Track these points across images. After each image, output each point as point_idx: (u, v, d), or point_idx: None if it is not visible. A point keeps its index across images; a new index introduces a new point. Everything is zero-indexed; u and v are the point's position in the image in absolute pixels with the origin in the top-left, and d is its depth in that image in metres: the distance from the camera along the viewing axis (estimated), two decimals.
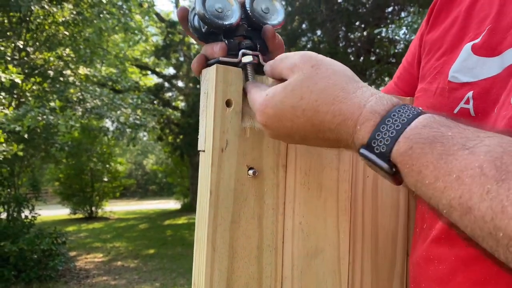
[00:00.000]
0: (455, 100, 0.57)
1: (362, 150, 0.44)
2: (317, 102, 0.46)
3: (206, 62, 0.59)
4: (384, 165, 0.42)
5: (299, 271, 0.59)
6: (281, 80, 0.51)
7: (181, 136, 13.38)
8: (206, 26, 0.58)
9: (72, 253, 7.93)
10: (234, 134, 0.56)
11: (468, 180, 0.36)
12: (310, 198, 0.60)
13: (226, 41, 0.57)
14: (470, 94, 0.56)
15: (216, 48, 0.57)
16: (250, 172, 0.56)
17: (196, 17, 0.60)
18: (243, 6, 0.59)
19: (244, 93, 0.56)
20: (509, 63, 0.53)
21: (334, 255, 0.62)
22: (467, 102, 0.56)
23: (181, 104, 15.36)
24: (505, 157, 0.35)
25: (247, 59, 0.57)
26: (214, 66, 0.55)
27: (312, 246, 0.60)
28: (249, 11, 0.59)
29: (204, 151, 0.56)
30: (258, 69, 0.59)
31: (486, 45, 0.56)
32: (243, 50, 0.57)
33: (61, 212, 14.07)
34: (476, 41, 0.58)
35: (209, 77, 0.56)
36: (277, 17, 0.61)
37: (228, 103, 0.55)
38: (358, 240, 0.64)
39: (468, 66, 0.57)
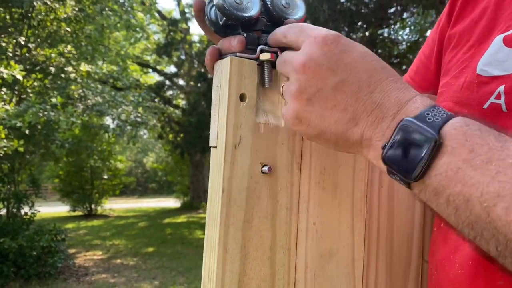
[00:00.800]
0: (484, 95, 0.54)
1: (407, 119, 0.41)
2: (386, 65, 0.46)
3: (221, 56, 0.56)
4: (432, 134, 0.38)
5: (313, 274, 0.57)
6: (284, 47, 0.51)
7: (181, 135, 13.36)
8: (224, 18, 0.55)
9: (71, 250, 7.91)
10: (247, 130, 0.53)
11: None
12: (325, 198, 0.58)
13: (244, 34, 0.55)
14: (501, 88, 0.52)
15: (234, 42, 0.53)
16: (265, 168, 0.54)
17: (214, 9, 0.57)
18: None
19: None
20: None
21: (349, 257, 0.60)
22: (498, 96, 0.52)
23: (182, 103, 15.34)
24: None
25: (265, 56, 0.54)
26: (228, 58, 0.52)
27: (326, 248, 0.58)
28: (269, 5, 0.56)
29: (216, 147, 0.54)
30: (276, 67, 0.56)
31: None
32: (261, 46, 0.54)
33: (60, 209, 14.05)
34: (508, 33, 0.54)
35: (223, 70, 0.53)
36: (297, 12, 0.58)
37: (242, 97, 0.53)
38: (373, 242, 0.62)
39: (499, 59, 0.54)
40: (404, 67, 7.53)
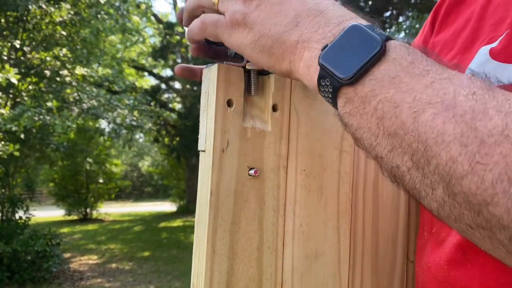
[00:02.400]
0: None
1: (356, 24, 0.40)
2: None
3: (207, 65, 0.58)
4: (377, 39, 0.38)
5: (299, 274, 0.59)
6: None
7: (177, 138, 13.36)
8: None
9: (66, 255, 7.88)
10: (235, 134, 0.55)
11: (457, 81, 0.34)
12: (310, 200, 0.60)
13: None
14: None
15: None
16: (251, 171, 0.55)
17: None
18: None
19: None
20: None
21: (335, 258, 0.61)
22: None
23: (178, 106, 15.34)
24: (491, 81, 0.36)
25: (251, 65, 0.56)
26: (216, 66, 0.54)
27: (313, 249, 0.60)
28: None
29: (204, 151, 0.56)
30: (262, 73, 0.58)
31: (506, 50, 0.54)
32: None
33: (55, 213, 14.01)
34: (494, 45, 0.56)
35: (211, 77, 0.55)
36: None
37: (229, 103, 0.55)
38: (358, 243, 0.63)
39: (486, 71, 0.56)
40: None
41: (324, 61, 0.40)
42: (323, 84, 0.40)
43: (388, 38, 0.39)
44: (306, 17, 0.43)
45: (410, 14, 7.08)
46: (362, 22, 0.41)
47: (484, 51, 0.56)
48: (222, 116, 0.54)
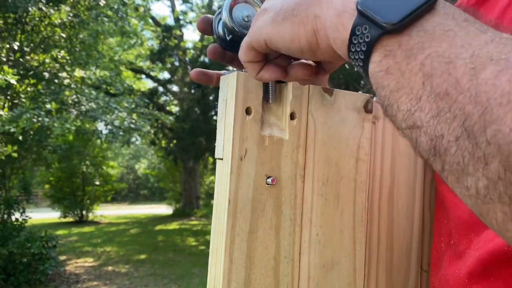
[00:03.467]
0: None
1: None
2: None
3: (225, 73, 0.57)
4: None
5: (316, 283, 0.58)
6: None
7: (174, 141, 13.33)
8: (231, 35, 0.57)
9: (62, 257, 7.84)
10: (253, 143, 0.55)
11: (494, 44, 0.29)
12: (327, 209, 0.59)
13: None
14: None
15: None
16: (269, 180, 0.55)
17: (221, 24, 0.58)
18: None
19: None
20: None
21: (350, 267, 0.61)
22: None
23: (175, 109, 15.33)
24: None
25: None
26: (235, 73, 0.54)
27: (329, 258, 0.59)
28: None
29: (222, 159, 0.55)
30: (281, 81, 0.58)
31: None
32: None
33: (51, 215, 13.93)
34: None
35: (229, 84, 0.55)
36: None
37: (248, 111, 0.54)
38: (373, 252, 0.63)
39: None
40: None
41: (363, 5, 0.34)
42: (358, 33, 0.34)
43: None
44: None
45: None
46: None
47: None
48: (241, 124, 0.54)
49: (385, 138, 0.64)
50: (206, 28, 0.60)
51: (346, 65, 8.47)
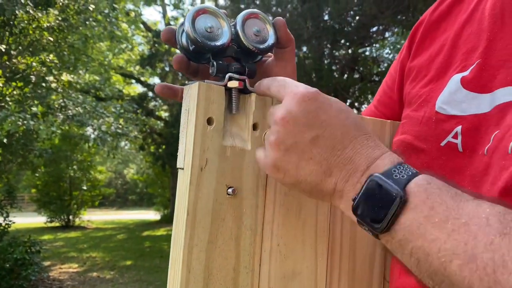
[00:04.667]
0: (442, 133, 0.57)
1: (376, 175, 0.44)
2: (360, 123, 0.49)
3: (188, 82, 0.58)
4: (398, 190, 0.42)
5: None
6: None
7: (163, 146, 13.28)
8: (194, 46, 0.57)
9: (46, 263, 7.73)
10: (214, 153, 0.55)
11: (475, 228, 0.38)
12: (289, 219, 0.60)
13: (215, 62, 0.57)
14: (458, 128, 0.56)
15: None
16: (230, 190, 0.55)
17: (185, 35, 0.59)
18: (233, 26, 0.58)
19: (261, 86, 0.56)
20: (499, 102, 0.53)
21: (311, 278, 0.61)
22: (455, 136, 0.56)
23: (165, 114, 15.28)
24: (507, 215, 0.38)
25: (233, 84, 0.56)
26: (197, 84, 0.54)
27: (290, 269, 0.59)
28: (239, 33, 0.57)
29: (183, 169, 0.55)
30: (244, 92, 0.58)
31: (476, 80, 0.56)
32: (230, 74, 0.56)
33: (36, 220, 13.75)
34: (465, 73, 0.57)
35: (191, 94, 0.55)
36: (268, 40, 0.60)
37: (209, 121, 0.55)
38: (335, 263, 0.63)
39: (457, 99, 0.57)
40: None
41: (357, 212, 0.45)
42: (363, 227, 0.46)
43: (408, 180, 0.43)
44: (337, 166, 0.47)
45: (396, 30, 7.20)
46: (385, 160, 0.46)
47: (456, 79, 0.58)
48: (202, 134, 0.54)
49: None
50: (170, 38, 0.60)
51: (335, 73, 8.54)
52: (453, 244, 0.38)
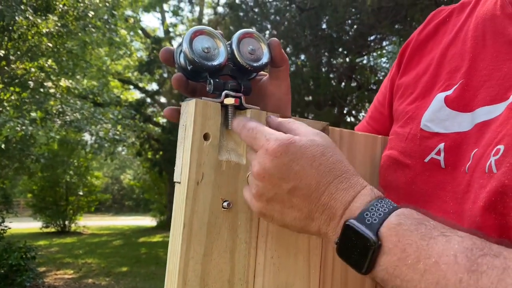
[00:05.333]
0: (426, 149, 0.60)
1: (351, 221, 0.47)
2: (334, 165, 0.50)
3: (186, 99, 0.59)
4: (372, 236, 0.44)
5: None
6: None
7: (160, 152, 13.28)
8: (191, 66, 0.59)
9: (41, 269, 7.69)
10: (210, 167, 0.56)
11: (444, 266, 0.40)
12: (282, 232, 0.61)
13: (212, 81, 0.59)
14: (441, 145, 0.58)
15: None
16: (225, 204, 0.57)
17: (182, 54, 0.60)
18: (229, 45, 0.60)
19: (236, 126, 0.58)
20: (478, 120, 0.55)
21: None
22: (438, 153, 0.58)
23: (162, 120, 15.29)
24: (474, 250, 0.40)
25: (229, 101, 0.58)
26: (194, 100, 0.56)
27: (283, 281, 0.61)
28: (235, 52, 0.60)
29: (179, 182, 0.57)
30: (239, 108, 0.60)
31: (459, 99, 0.58)
32: (226, 92, 0.58)
33: (32, 225, 13.69)
34: (449, 92, 0.60)
35: (188, 111, 0.57)
36: (262, 58, 0.62)
37: (205, 137, 0.56)
38: (328, 276, 0.65)
39: (440, 117, 0.60)
40: None
41: (341, 255, 0.49)
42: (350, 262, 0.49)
43: (380, 223, 0.45)
44: (317, 211, 0.50)
45: (393, 39, 7.25)
46: (358, 202, 0.48)
47: (440, 97, 0.61)
48: (198, 149, 0.56)
49: None
50: (168, 58, 0.62)
51: (333, 82, 8.58)
52: (426, 284, 0.41)
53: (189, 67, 0.60)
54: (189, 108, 0.57)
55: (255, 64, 0.61)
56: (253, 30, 0.62)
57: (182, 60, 0.61)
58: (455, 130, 0.58)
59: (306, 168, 0.50)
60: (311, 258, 0.63)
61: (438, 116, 0.60)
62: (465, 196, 0.53)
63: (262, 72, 0.68)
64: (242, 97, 0.59)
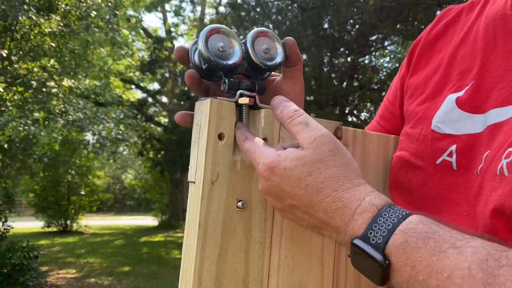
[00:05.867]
0: (438, 151, 0.59)
1: (356, 241, 0.46)
2: (322, 184, 0.49)
3: (200, 98, 0.59)
4: (379, 256, 0.44)
5: None
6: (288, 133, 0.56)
7: (162, 152, 13.28)
8: (206, 64, 0.59)
9: (44, 268, 7.69)
10: (225, 167, 0.56)
11: (459, 280, 0.38)
12: (296, 232, 0.61)
13: (226, 80, 0.58)
14: (453, 147, 0.58)
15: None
16: (239, 204, 0.57)
17: (197, 53, 0.60)
18: (244, 45, 0.60)
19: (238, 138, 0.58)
20: (491, 122, 0.55)
21: None
22: (450, 155, 0.58)
23: (164, 120, 15.29)
24: (490, 260, 0.38)
25: (243, 101, 0.58)
26: (209, 100, 0.56)
27: (297, 281, 0.61)
28: (250, 51, 0.59)
29: (194, 182, 0.57)
30: (254, 108, 0.60)
31: (470, 101, 0.58)
32: (241, 91, 0.58)
33: (34, 224, 13.70)
34: (460, 94, 0.60)
35: (203, 110, 0.57)
36: (276, 58, 0.62)
37: (220, 136, 0.56)
38: (341, 276, 0.65)
39: (452, 119, 0.59)
40: (383, 93, 7.71)
41: (357, 269, 0.48)
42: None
43: (385, 241, 0.44)
44: (321, 227, 0.51)
45: (395, 39, 7.24)
46: (359, 221, 0.47)
47: (451, 98, 0.60)
48: (213, 149, 0.56)
49: None
50: (182, 56, 0.62)
51: (335, 81, 8.57)
52: None
53: (204, 66, 0.60)
54: (203, 107, 0.57)
55: (269, 63, 0.60)
56: (267, 29, 0.62)
57: (196, 58, 0.61)
58: (467, 132, 0.57)
59: (295, 189, 0.50)
60: (325, 258, 0.63)
61: (449, 117, 0.60)
62: (477, 199, 0.53)
63: (274, 73, 0.68)
64: (256, 97, 0.59)
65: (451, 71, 0.63)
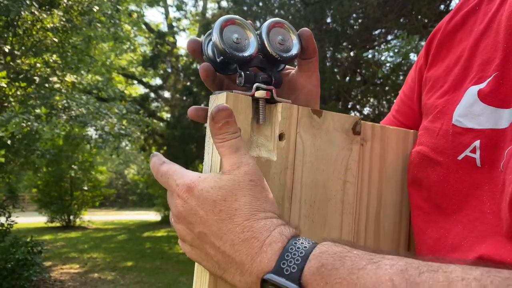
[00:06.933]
0: (459, 146, 0.57)
1: (269, 276, 0.43)
2: (235, 211, 0.47)
3: (214, 92, 0.57)
4: (295, 287, 0.41)
5: None
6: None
7: (165, 147, 13.27)
8: (221, 57, 0.56)
9: (47, 263, 7.72)
10: None
11: None
12: (313, 230, 0.59)
13: (242, 73, 0.56)
14: (477, 143, 0.55)
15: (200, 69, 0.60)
16: None
17: (211, 45, 0.58)
18: (259, 36, 0.58)
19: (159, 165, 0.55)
20: None
21: None
22: (474, 151, 0.55)
23: (167, 115, 15.28)
24: (410, 269, 0.37)
25: (260, 94, 0.56)
26: (224, 94, 0.54)
27: None
28: (265, 42, 0.57)
29: None
30: (270, 102, 0.58)
31: (494, 94, 0.55)
32: (257, 84, 0.56)
33: (37, 219, 13.75)
34: (482, 86, 0.57)
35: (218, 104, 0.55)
36: (292, 49, 0.60)
37: None
38: None
39: (474, 112, 0.56)
40: (387, 88, 7.67)
41: None
42: None
43: (300, 271, 0.41)
44: (226, 265, 0.47)
45: (399, 33, 7.19)
46: (268, 253, 0.44)
47: (472, 91, 0.57)
48: None
49: (373, 161, 0.65)
50: (195, 49, 0.60)
51: (338, 76, 8.54)
52: None
53: (218, 59, 0.58)
54: (219, 101, 0.55)
55: (285, 55, 0.58)
56: (283, 20, 0.60)
57: (210, 51, 0.59)
58: (490, 127, 0.54)
59: (209, 214, 0.48)
60: None
61: (471, 111, 0.57)
62: (501, 196, 0.51)
63: (288, 66, 0.66)
64: (273, 90, 0.57)
65: (472, 62, 0.61)
